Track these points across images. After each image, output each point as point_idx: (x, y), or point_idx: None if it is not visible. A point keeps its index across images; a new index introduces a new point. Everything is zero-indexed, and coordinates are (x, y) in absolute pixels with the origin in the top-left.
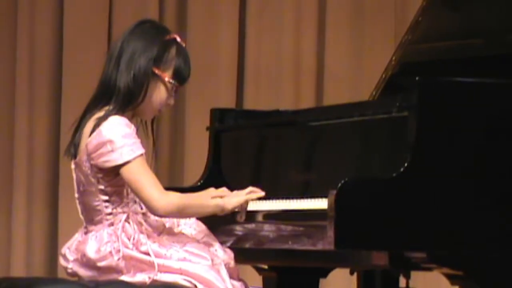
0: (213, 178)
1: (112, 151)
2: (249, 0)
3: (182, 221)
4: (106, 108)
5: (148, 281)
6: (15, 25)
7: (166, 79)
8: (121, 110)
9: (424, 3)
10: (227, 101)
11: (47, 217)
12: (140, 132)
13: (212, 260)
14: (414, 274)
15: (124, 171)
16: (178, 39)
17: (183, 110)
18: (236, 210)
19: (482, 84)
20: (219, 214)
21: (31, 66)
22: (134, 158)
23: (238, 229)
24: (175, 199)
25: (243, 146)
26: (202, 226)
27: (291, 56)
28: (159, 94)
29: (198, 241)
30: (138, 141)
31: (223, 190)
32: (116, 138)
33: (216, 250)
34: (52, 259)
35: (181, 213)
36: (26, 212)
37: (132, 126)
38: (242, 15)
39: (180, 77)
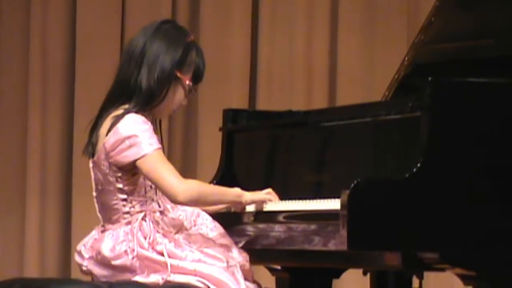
0: (225, 179)
1: (130, 146)
2: (262, 2)
3: (199, 221)
4: (125, 106)
5: (161, 282)
6: (28, 27)
7: (187, 82)
8: (141, 109)
9: (437, 3)
10: (240, 102)
11: (60, 218)
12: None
13: (228, 262)
14: (427, 275)
15: (142, 163)
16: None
17: (196, 111)
18: (251, 208)
19: (494, 85)
20: (237, 208)
21: (44, 67)
22: (152, 151)
23: (251, 230)
24: (195, 185)
25: (256, 147)
26: (219, 227)
27: (304, 57)
28: (178, 96)
29: (214, 243)
30: (155, 137)
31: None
32: (134, 134)
33: (232, 252)
34: (65, 259)
35: (201, 199)
36: (39, 213)
37: (149, 123)
38: (255, 16)
39: (198, 78)
